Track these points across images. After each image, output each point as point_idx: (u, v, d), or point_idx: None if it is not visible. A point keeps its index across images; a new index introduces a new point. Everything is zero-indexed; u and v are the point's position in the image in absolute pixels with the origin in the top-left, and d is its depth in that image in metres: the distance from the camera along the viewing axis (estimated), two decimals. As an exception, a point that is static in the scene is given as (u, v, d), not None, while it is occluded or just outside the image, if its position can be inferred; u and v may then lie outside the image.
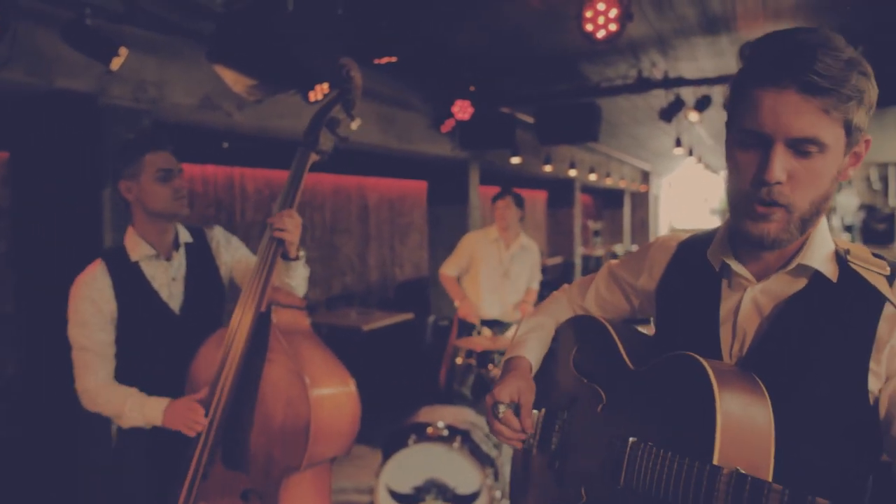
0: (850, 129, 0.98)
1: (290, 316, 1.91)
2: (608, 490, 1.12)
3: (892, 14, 4.27)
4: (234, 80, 3.07)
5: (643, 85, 5.37)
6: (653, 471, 1.01)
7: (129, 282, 2.00)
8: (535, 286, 4.77)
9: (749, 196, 1.02)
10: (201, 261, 2.16)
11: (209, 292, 2.15)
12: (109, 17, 3.00)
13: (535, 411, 1.39)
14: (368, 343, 6.00)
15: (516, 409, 1.33)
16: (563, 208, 12.85)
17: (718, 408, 0.93)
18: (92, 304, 1.93)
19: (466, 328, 4.51)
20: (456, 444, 3.29)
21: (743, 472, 0.88)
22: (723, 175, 1.12)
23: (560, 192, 12.68)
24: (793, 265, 1.06)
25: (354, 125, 2.07)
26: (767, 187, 0.99)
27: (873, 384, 0.99)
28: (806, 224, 1.03)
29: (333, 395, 1.84)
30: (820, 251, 1.07)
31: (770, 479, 0.91)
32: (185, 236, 2.14)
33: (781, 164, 0.97)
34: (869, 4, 4.13)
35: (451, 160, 7.17)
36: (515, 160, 7.21)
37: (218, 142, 5.31)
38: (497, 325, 4.48)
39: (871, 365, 0.98)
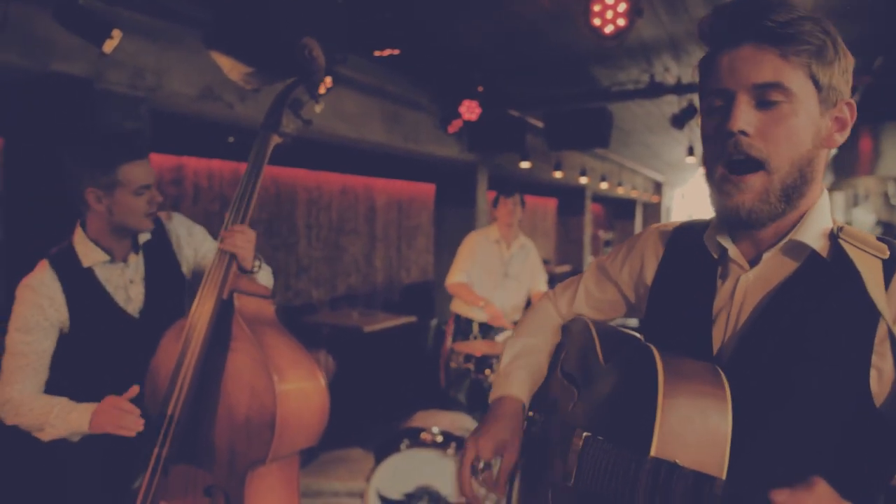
0: (818, 84, 0.94)
1: (254, 304, 1.81)
2: (566, 490, 1.03)
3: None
4: (231, 68, 2.99)
5: (655, 90, 5.26)
6: (598, 465, 0.94)
7: (81, 288, 1.85)
8: (543, 287, 4.58)
9: (718, 156, 0.97)
10: (162, 259, 2.02)
11: (171, 291, 2.02)
12: (105, -1, 2.94)
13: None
14: (370, 344, 5.92)
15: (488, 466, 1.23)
16: (574, 216, 12.74)
17: (660, 400, 0.86)
18: (40, 310, 1.79)
19: (462, 331, 4.39)
20: (450, 451, 3.18)
21: (661, 458, 0.82)
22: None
23: (571, 199, 12.58)
24: (783, 241, 0.98)
25: (318, 108, 1.96)
26: (733, 138, 0.94)
27: (877, 384, 0.88)
28: (790, 193, 0.95)
29: (300, 385, 1.74)
30: (815, 227, 0.98)
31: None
32: (143, 235, 1.98)
33: (745, 113, 0.93)
34: (890, 15, 4.00)
35: (459, 162, 7.08)
36: (525, 165, 7.11)
37: (222, 135, 5.26)
38: (494, 330, 4.35)
39: (874, 360, 0.88)
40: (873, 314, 0.88)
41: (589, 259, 12.84)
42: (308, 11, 2.73)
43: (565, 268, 12.07)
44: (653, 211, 16.74)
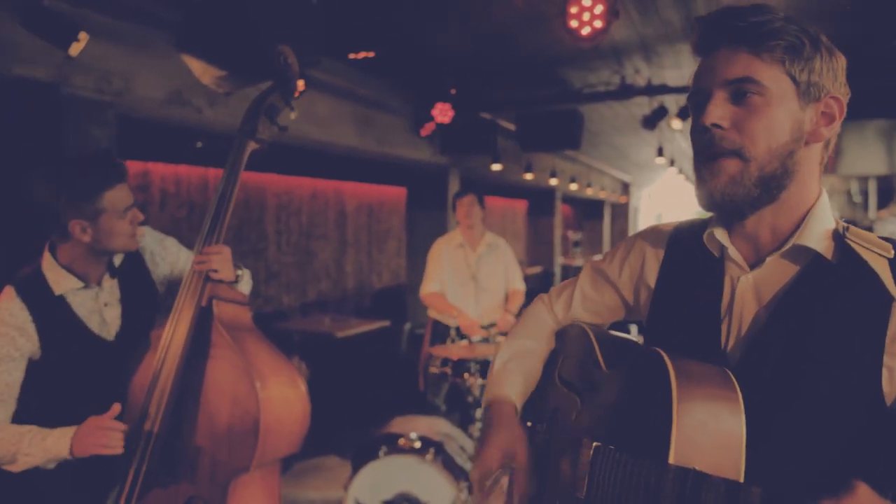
0: (794, 79, 0.96)
1: (231, 310, 1.78)
2: (576, 503, 1.01)
3: (878, 27, 4.25)
4: (202, 71, 2.92)
5: (626, 92, 5.31)
6: (612, 476, 0.92)
7: (53, 317, 1.76)
8: (520, 286, 4.48)
9: (699, 152, 1.00)
10: (137, 278, 1.95)
11: (147, 310, 1.96)
12: (70, 1, 2.84)
13: None
14: (343, 350, 5.85)
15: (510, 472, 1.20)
16: (544, 217, 12.82)
17: (675, 405, 0.85)
18: (9, 342, 1.70)
19: (440, 336, 4.35)
20: (429, 457, 3.16)
21: (685, 466, 0.81)
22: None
23: (541, 201, 12.65)
24: (787, 246, 0.99)
25: (293, 115, 1.94)
26: (707, 133, 0.97)
27: (888, 384, 0.88)
28: (768, 182, 0.97)
29: (282, 390, 1.72)
30: (818, 229, 0.98)
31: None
32: (118, 256, 1.91)
33: (718, 108, 0.97)
34: (856, 16, 4.10)
35: (431, 165, 7.06)
36: (496, 167, 7.12)
37: (190, 140, 5.15)
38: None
39: (886, 360, 0.88)
40: (884, 313, 0.89)
41: (560, 260, 12.92)
42: (282, 14, 2.69)
43: (536, 269, 12.13)
44: (621, 211, 16.93)
